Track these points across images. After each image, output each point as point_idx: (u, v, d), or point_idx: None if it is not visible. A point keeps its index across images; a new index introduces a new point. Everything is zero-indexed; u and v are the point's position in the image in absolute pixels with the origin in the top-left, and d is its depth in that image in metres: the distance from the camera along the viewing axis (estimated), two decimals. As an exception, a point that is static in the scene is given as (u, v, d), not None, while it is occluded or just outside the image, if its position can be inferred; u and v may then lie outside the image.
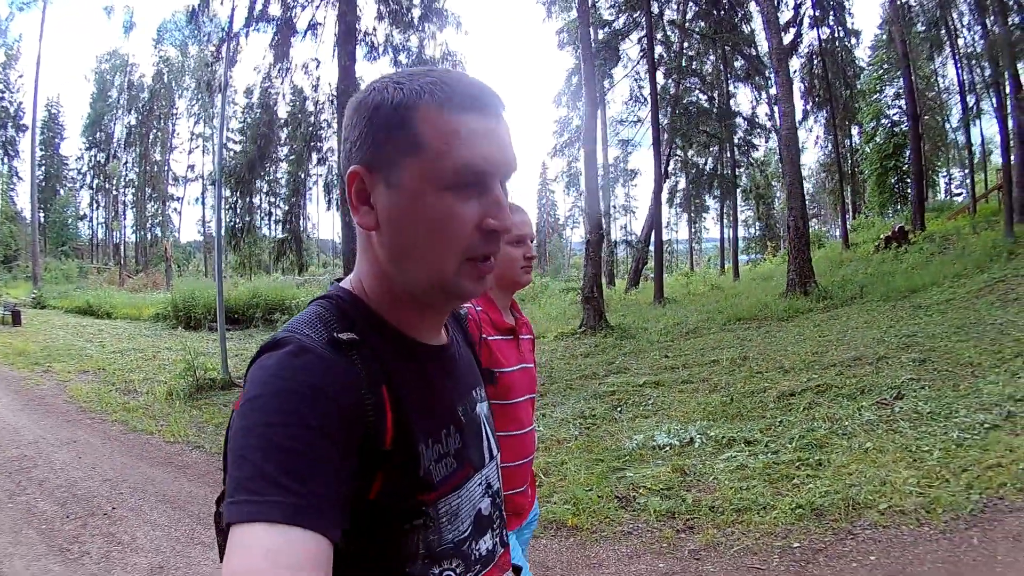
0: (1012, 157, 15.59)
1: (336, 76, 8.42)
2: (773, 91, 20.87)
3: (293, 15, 8.81)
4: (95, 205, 36.47)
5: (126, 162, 34.15)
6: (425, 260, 0.61)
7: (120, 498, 4.03)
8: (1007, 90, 14.83)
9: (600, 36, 14.68)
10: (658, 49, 15.65)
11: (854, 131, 25.00)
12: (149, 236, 36.82)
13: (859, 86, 22.09)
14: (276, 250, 9.10)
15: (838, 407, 4.90)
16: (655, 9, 15.11)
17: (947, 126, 24.09)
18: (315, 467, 0.51)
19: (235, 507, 0.49)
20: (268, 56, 8.09)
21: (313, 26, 9.01)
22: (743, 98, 22.76)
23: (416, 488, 0.60)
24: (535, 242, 1.52)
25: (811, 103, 20.46)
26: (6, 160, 31.07)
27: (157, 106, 34.37)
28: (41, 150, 34.76)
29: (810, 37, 19.90)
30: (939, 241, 15.35)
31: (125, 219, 36.04)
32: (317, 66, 9.24)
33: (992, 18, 13.68)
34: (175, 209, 39.21)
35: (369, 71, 9.42)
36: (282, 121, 8.53)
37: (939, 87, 23.15)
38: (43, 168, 35.03)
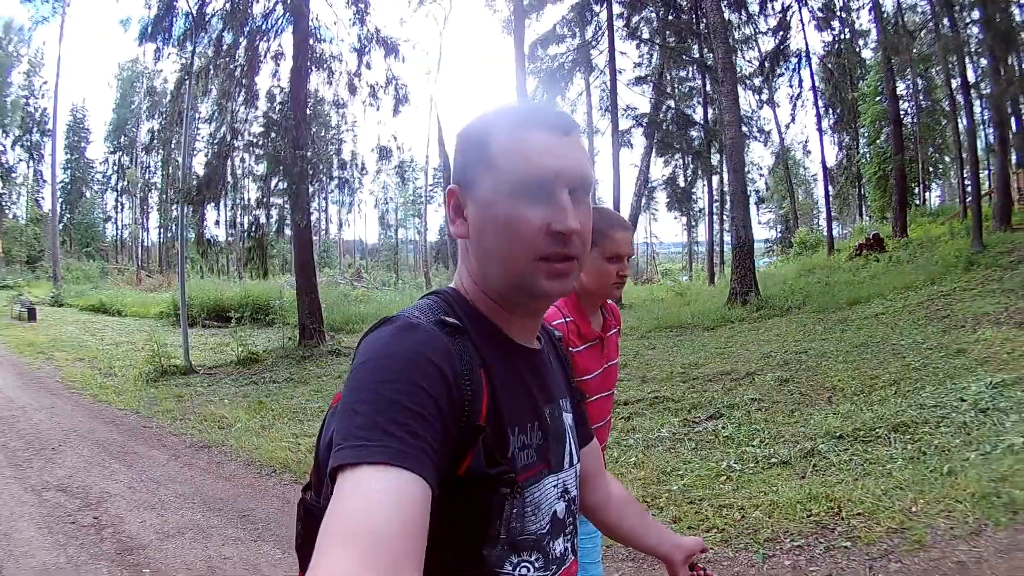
0: (987, 161, 16.05)
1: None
2: (764, 96, 22.04)
3: (257, 47, 10.69)
4: (120, 207, 40.19)
5: (148, 166, 37.43)
6: (502, 261, 0.72)
7: (67, 440, 5.81)
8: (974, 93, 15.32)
9: (561, 48, 16.22)
10: (622, 61, 16.90)
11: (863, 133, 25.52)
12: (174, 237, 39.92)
13: (863, 87, 22.74)
14: (245, 257, 10.96)
15: (652, 421, 5.35)
16: (620, 22, 16.54)
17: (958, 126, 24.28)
18: (421, 421, 0.58)
19: (342, 452, 0.55)
20: (228, 85, 9.97)
21: (276, 56, 10.89)
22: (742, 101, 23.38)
23: (506, 464, 0.68)
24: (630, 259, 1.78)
25: (798, 107, 21.23)
26: (32, 164, 34.80)
27: (179, 110, 37.30)
28: (67, 154, 38.53)
29: (798, 41, 20.86)
30: (913, 249, 15.62)
31: (148, 220, 39.50)
32: (280, 92, 11.15)
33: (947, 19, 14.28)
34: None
35: (329, 92, 11.31)
36: (245, 143, 10.42)
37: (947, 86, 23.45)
38: (69, 171, 38.85)
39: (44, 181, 33.81)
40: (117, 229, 41.78)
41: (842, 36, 22.65)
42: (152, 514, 4.00)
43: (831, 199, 32.67)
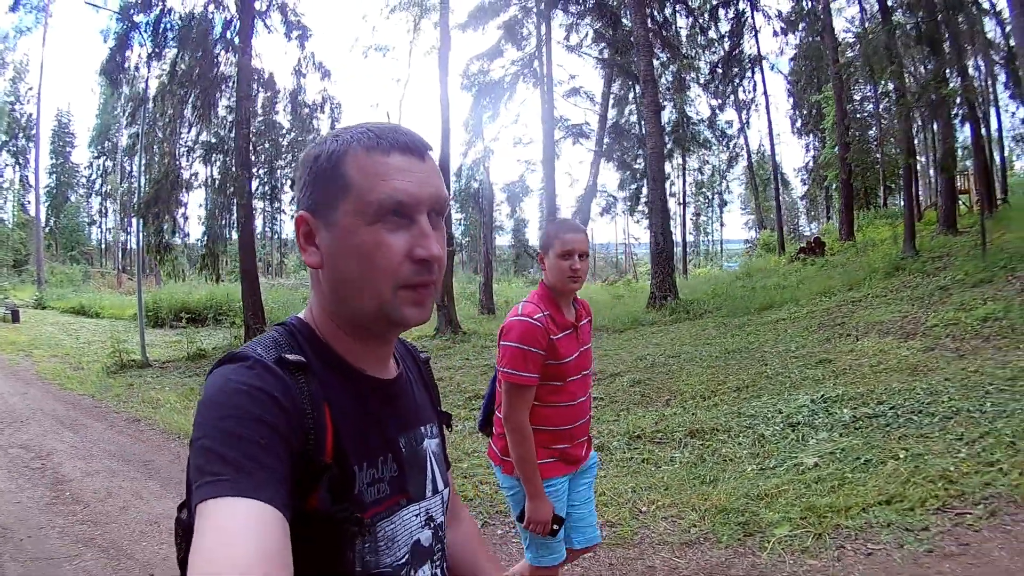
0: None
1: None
2: (715, 101, 23.62)
3: (207, 74, 12.54)
4: (104, 211, 42.53)
5: (130, 171, 39.63)
6: (363, 290, 0.74)
7: (33, 416, 7.62)
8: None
9: (503, 61, 17.97)
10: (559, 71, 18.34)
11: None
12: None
13: (826, 90, 24.09)
14: (199, 263, 12.86)
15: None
16: (562, 32, 18.33)
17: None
18: (266, 452, 0.63)
19: (198, 490, 0.60)
20: (179, 109, 11.85)
21: (226, 80, 12.73)
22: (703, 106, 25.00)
23: (352, 503, 0.72)
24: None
25: (752, 110, 22.73)
26: (18, 168, 37.06)
27: (161, 116, 39.50)
28: (52, 158, 40.92)
29: (765, 45, 22.43)
30: (852, 253, 16.53)
31: (132, 225, 41.68)
32: (229, 112, 13.00)
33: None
34: (183, 214, 44.68)
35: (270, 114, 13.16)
36: (199, 156, 12.32)
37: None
38: (54, 176, 41.25)
39: (30, 186, 36.05)
40: (101, 233, 44.27)
41: (808, 39, 24.16)
42: (82, 462, 5.79)
43: (802, 199, 34.33)
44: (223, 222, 12.74)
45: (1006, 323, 6.93)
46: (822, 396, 5.51)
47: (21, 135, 35.38)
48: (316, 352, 0.77)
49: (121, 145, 39.46)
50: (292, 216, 0.86)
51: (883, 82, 17.65)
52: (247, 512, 0.58)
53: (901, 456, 4.07)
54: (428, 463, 0.87)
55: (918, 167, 28.87)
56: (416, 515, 0.82)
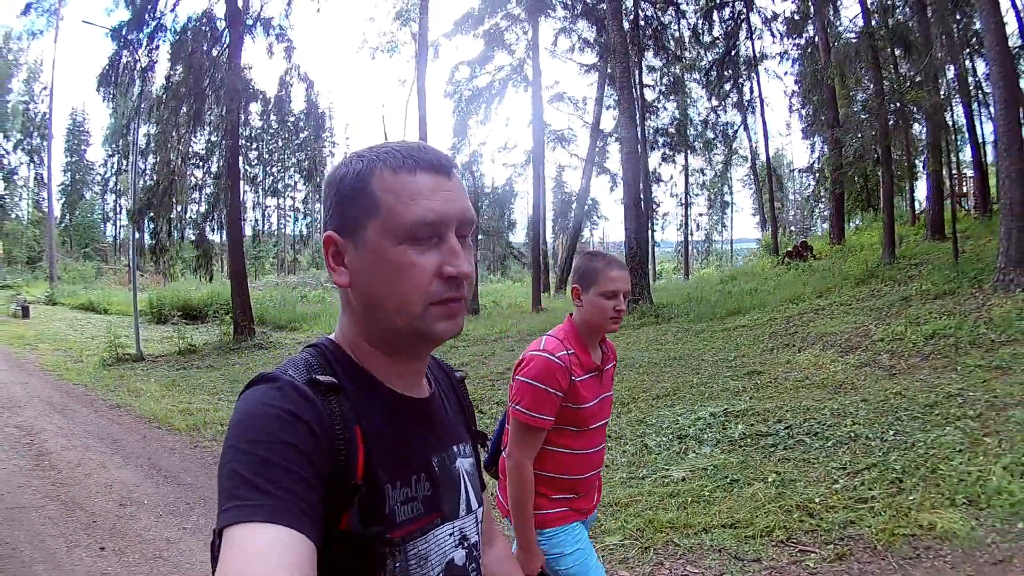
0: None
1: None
2: (715, 102, 24.23)
3: (205, 84, 13.72)
4: (118, 208, 44.57)
5: (144, 170, 41.55)
6: (393, 307, 0.77)
7: (31, 402, 8.79)
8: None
9: (489, 68, 18.89)
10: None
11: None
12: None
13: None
14: (195, 263, 14.08)
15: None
16: (549, 41, 19.21)
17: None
18: (295, 478, 0.65)
19: (224, 514, 0.62)
20: (172, 118, 13.05)
21: (217, 91, 13.88)
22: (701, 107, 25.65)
23: (382, 524, 0.74)
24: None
25: (744, 114, 23.28)
26: (32, 167, 39.21)
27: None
28: (68, 156, 42.99)
29: (764, 46, 22.98)
30: (835, 258, 17.06)
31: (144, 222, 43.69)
32: (221, 122, 14.17)
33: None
34: (195, 213, 46.61)
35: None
36: (192, 164, 13.53)
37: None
38: (69, 173, 43.37)
39: (45, 183, 38.08)
40: (115, 229, 46.47)
41: (814, 39, 24.59)
42: (64, 439, 6.89)
43: (810, 199, 34.59)
44: (216, 225, 13.88)
45: (952, 341, 6.83)
46: (725, 410, 5.66)
47: (36, 134, 37.34)
48: (348, 372, 0.80)
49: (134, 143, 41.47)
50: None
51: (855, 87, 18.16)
52: (273, 538, 0.60)
53: (770, 479, 4.06)
54: (462, 482, 0.90)
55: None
56: (450, 534, 0.85)
